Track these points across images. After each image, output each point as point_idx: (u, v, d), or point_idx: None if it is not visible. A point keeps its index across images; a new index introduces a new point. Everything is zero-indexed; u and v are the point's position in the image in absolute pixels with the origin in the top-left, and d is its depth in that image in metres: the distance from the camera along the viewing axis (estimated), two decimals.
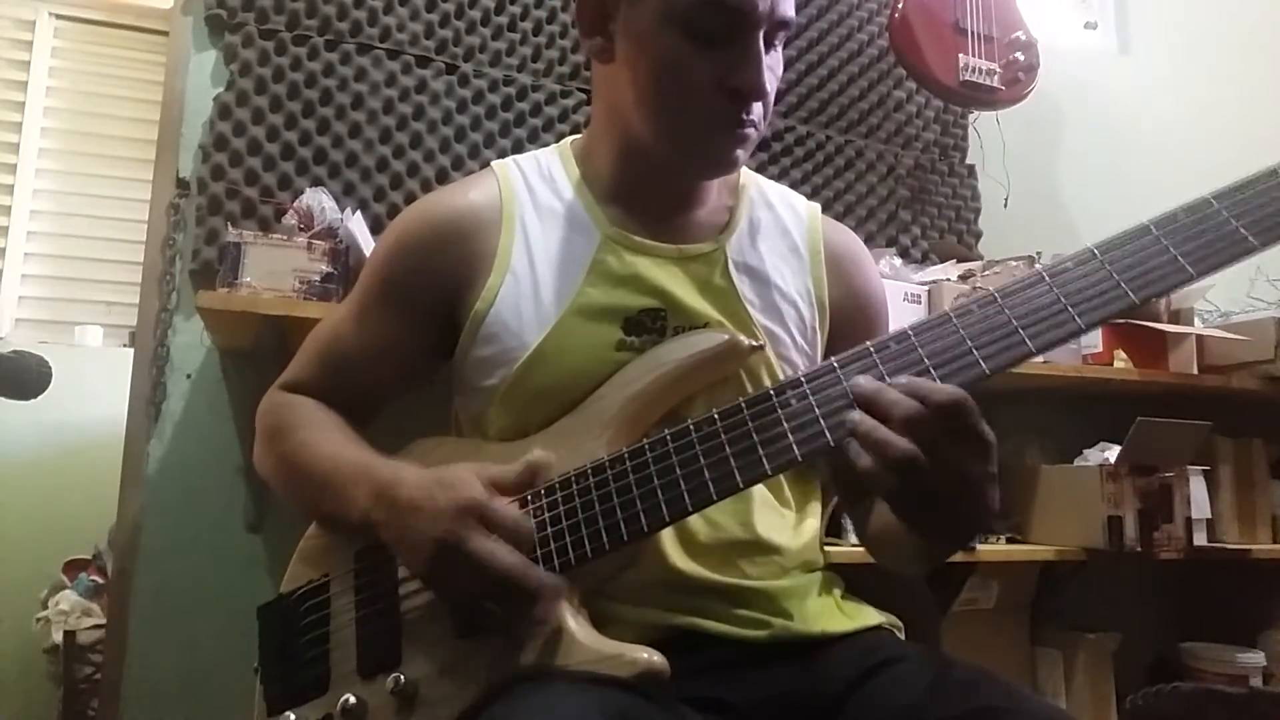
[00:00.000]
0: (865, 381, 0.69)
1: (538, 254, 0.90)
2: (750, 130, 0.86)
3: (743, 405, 0.75)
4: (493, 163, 0.98)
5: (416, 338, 0.93)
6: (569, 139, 1.00)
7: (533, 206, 0.93)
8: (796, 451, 0.72)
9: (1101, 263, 0.71)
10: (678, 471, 0.74)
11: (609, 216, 0.91)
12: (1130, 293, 0.69)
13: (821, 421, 0.72)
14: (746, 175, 1.00)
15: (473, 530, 0.71)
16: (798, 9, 2.13)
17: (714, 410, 0.76)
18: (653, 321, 0.87)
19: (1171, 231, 0.70)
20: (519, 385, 0.86)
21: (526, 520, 0.74)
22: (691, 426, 0.76)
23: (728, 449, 0.73)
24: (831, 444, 0.72)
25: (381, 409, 0.98)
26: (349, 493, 0.82)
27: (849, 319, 0.96)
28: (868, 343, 0.74)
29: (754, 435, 0.74)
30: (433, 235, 0.92)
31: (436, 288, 0.91)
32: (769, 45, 0.84)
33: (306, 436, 0.90)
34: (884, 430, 0.65)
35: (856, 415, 0.67)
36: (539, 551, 0.76)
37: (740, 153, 0.87)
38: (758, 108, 0.85)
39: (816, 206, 1.02)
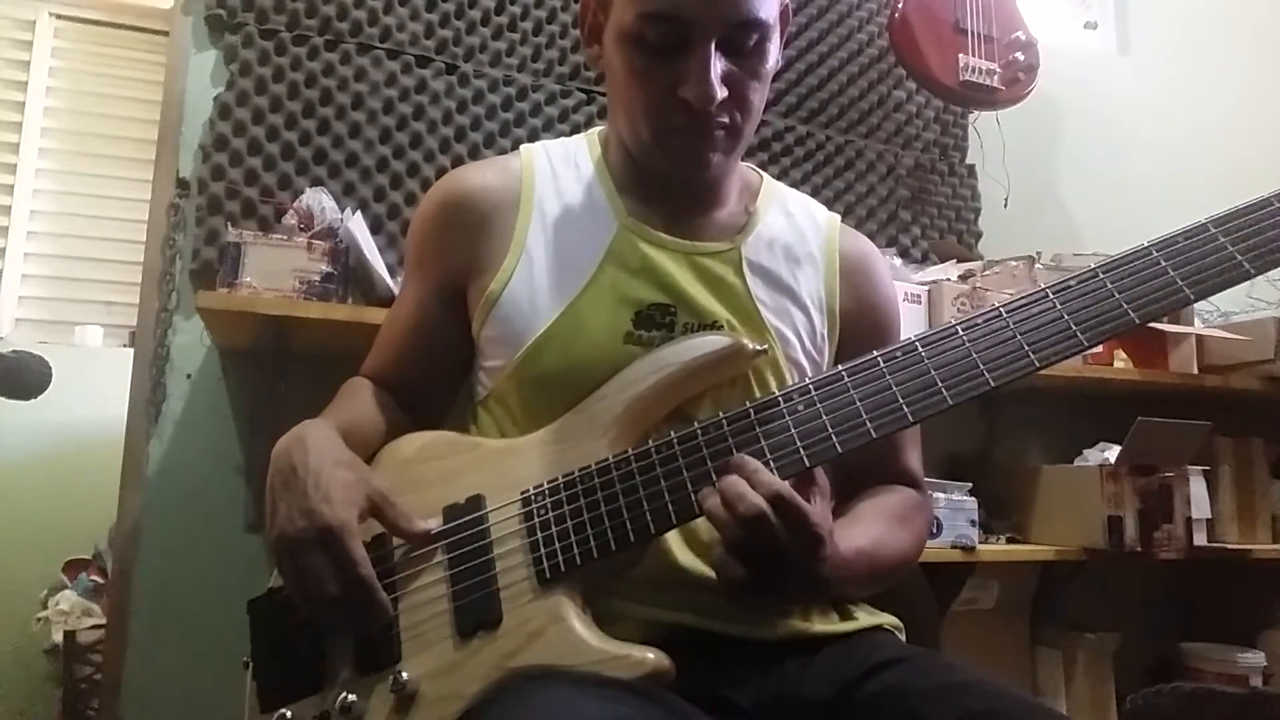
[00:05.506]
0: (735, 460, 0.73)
1: (555, 238, 0.91)
2: (717, 131, 0.86)
3: (750, 410, 0.76)
4: (522, 146, 1.00)
5: (444, 310, 0.95)
6: (596, 128, 1.02)
7: (554, 191, 0.94)
8: (804, 457, 0.73)
9: (1104, 281, 0.73)
10: (685, 474, 0.75)
11: (627, 207, 0.93)
12: (1131, 312, 0.72)
13: (830, 429, 0.73)
14: (769, 183, 1.01)
15: (314, 546, 0.72)
16: (797, 9, 2.15)
17: (720, 414, 0.77)
18: (662, 317, 0.88)
19: (1171, 254, 0.73)
20: (526, 367, 0.87)
21: (375, 590, 0.74)
22: (699, 429, 0.76)
23: (735, 453, 0.74)
24: (840, 451, 0.73)
25: (431, 391, 0.98)
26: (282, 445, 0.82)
27: (859, 328, 0.97)
28: (875, 353, 0.76)
29: (761, 440, 0.74)
30: (445, 209, 0.95)
31: (449, 260, 0.94)
32: (735, 48, 0.83)
33: (326, 415, 0.91)
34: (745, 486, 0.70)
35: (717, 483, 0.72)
36: (543, 550, 0.76)
37: (713, 154, 0.88)
38: (725, 108, 0.85)
39: (836, 217, 1.03)
